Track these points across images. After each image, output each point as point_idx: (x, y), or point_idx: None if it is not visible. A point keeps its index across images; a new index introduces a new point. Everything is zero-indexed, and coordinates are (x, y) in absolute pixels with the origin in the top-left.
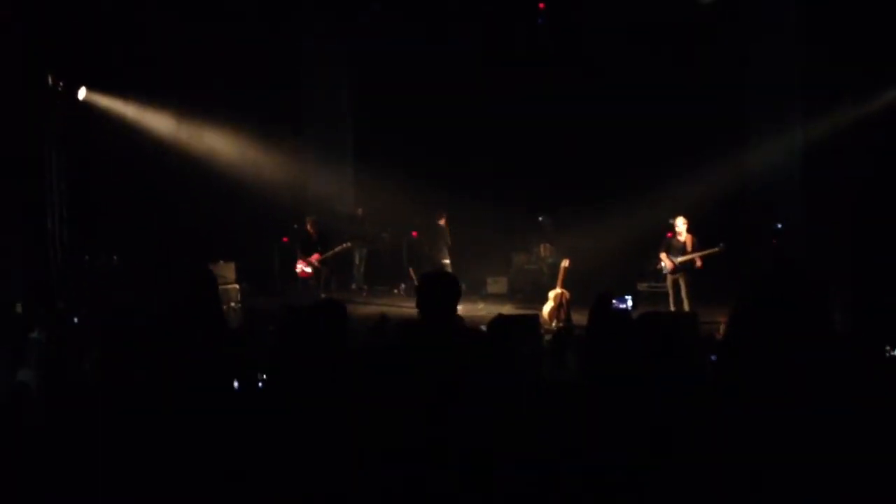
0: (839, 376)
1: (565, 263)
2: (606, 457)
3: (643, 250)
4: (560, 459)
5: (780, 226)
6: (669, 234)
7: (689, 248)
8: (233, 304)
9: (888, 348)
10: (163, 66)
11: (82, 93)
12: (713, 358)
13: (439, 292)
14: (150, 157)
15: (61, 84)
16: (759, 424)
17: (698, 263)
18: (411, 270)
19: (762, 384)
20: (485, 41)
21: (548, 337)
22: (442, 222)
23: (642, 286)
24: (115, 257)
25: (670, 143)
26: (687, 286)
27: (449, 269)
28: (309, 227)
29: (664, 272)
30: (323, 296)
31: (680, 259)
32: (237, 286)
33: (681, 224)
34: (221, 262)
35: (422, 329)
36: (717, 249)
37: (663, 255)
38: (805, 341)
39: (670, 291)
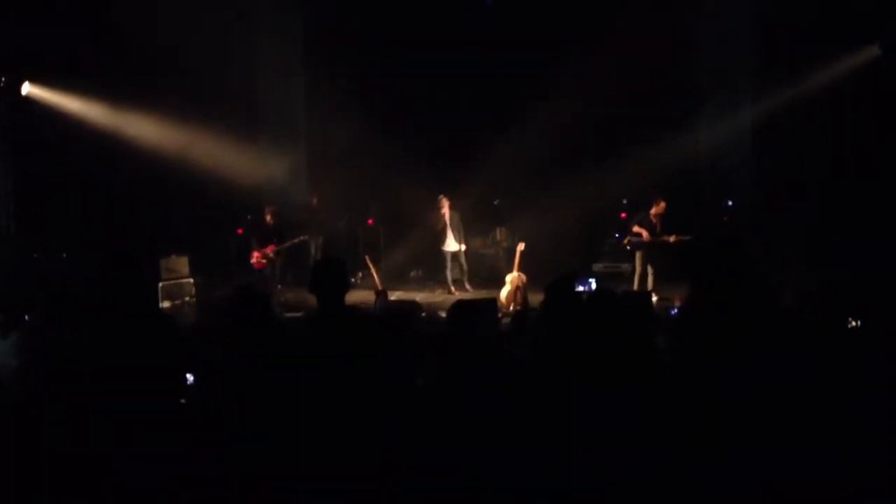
0: (787, 349)
1: (521, 247)
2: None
3: (598, 231)
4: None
5: (731, 203)
6: (652, 210)
7: (658, 229)
8: (187, 298)
9: (850, 320)
10: (111, 58)
11: (25, 88)
12: (669, 334)
13: (324, 278)
14: (99, 151)
15: (3, 79)
16: (714, 398)
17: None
18: (367, 258)
19: (715, 361)
20: (433, 27)
21: (506, 320)
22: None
23: (598, 266)
24: (63, 254)
25: (621, 121)
26: (657, 263)
27: (445, 254)
28: (268, 217)
29: (634, 246)
30: (279, 286)
31: (653, 236)
32: (191, 280)
33: (663, 206)
34: (174, 256)
35: (317, 315)
36: (689, 238)
37: (637, 228)
38: (752, 318)
39: (638, 266)
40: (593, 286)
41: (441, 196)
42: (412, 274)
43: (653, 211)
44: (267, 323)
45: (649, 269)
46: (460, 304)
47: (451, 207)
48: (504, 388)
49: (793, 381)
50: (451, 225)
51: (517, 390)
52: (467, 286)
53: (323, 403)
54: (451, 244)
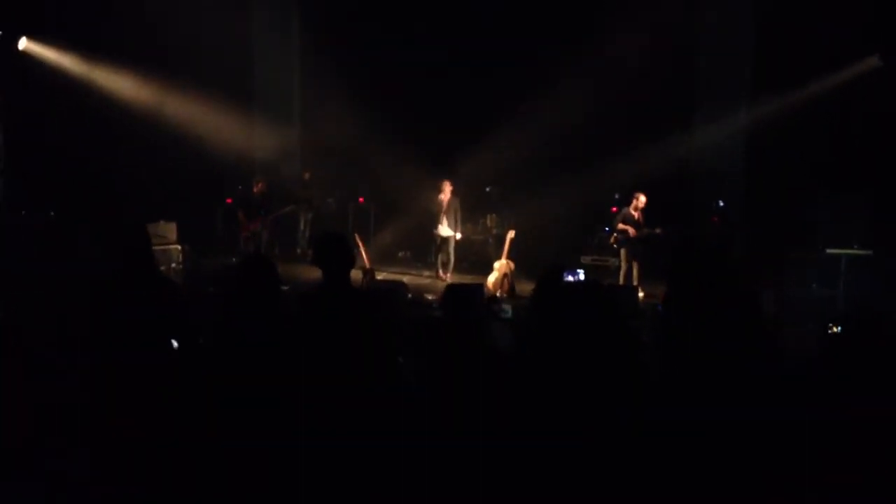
0: (766, 352)
1: (511, 234)
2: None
3: (588, 223)
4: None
5: (721, 203)
6: (632, 205)
7: (641, 223)
8: (174, 264)
9: (830, 325)
10: (111, 21)
11: (22, 43)
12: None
13: (331, 252)
14: (92, 111)
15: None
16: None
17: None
18: (357, 236)
19: (696, 363)
20: (434, 9)
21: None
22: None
23: (586, 259)
24: (51, 213)
25: (618, 117)
26: (641, 260)
27: (437, 237)
28: (256, 188)
29: (620, 243)
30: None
31: (638, 232)
32: (179, 247)
33: (643, 200)
34: (163, 221)
35: (322, 289)
36: (675, 230)
37: (622, 225)
38: (731, 321)
39: (623, 263)
40: (581, 277)
41: (445, 180)
42: (400, 255)
43: (632, 206)
44: (276, 293)
45: (634, 265)
46: (454, 289)
47: (453, 193)
48: (493, 376)
49: (771, 384)
50: (446, 210)
51: (505, 378)
52: (441, 273)
53: (323, 375)
54: (445, 229)
